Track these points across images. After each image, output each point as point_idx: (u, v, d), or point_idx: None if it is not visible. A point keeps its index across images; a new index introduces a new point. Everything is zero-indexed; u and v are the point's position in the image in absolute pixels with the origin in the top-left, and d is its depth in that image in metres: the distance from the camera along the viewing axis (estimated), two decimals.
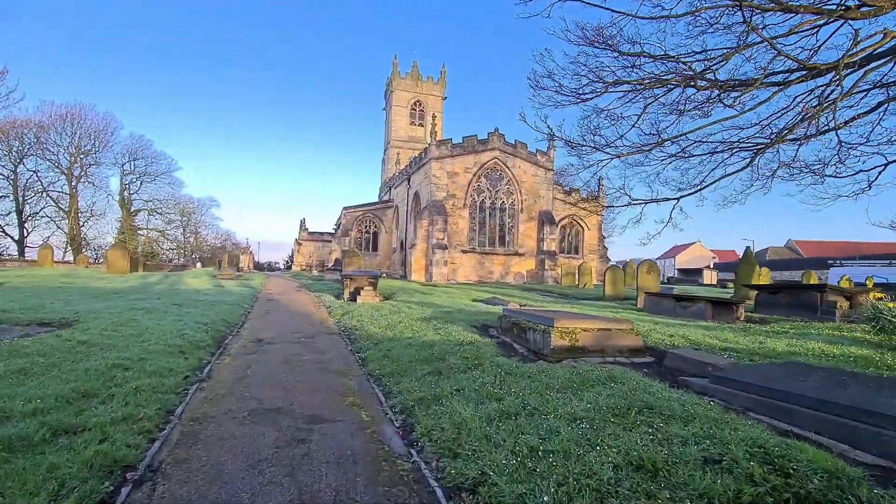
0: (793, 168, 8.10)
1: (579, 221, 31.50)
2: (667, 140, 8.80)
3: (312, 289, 17.54)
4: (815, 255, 62.28)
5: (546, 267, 28.28)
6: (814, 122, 7.54)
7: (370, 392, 4.55)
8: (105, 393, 3.62)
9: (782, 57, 7.45)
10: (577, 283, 27.16)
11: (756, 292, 12.57)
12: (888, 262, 28.93)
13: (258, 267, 63.65)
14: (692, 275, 57.37)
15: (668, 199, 10.03)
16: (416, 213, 29.15)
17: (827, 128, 8.10)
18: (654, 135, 8.64)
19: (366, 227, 38.06)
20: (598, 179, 30.52)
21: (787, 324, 8.72)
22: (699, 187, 9.63)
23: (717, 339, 6.01)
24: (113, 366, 4.35)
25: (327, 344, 6.88)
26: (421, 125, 52.58)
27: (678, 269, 63.27)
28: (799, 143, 7.91)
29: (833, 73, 6.75)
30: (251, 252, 60.01)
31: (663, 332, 6.42)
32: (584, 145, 9.23)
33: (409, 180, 33.03)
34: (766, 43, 6.75)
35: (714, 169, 9.28)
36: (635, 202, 10.18)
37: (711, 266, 59.08)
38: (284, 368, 5.28)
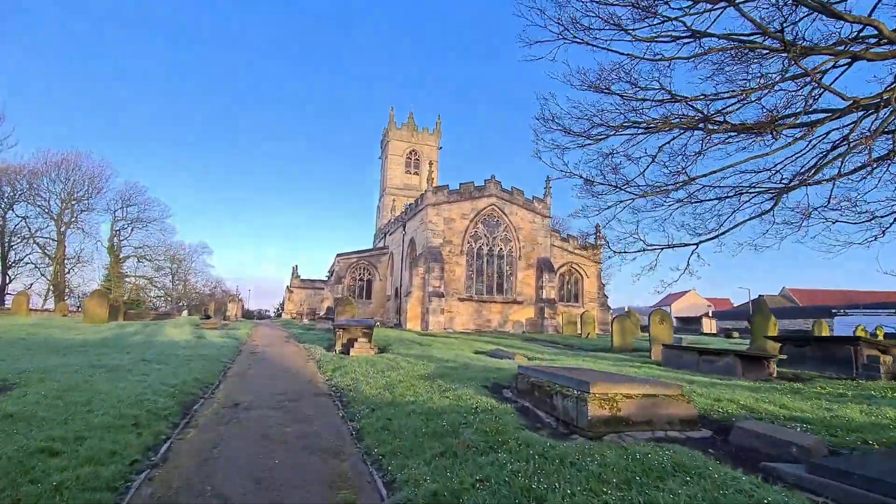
0: (826, 210, 7.55)
1: (578, 269, 30.97)
2: (697, 177, 8.32)
3: (302, 339, 16.41)
4: (810, 304, 61.87)
5: (546, 315, 27.35)
6: (843, 159, 7.13)
7: (368, 480, 3.59)
8: (7, 498, 2.66)
9: (805, 96, 7.16)
10: (579, 332, 26.15)
11: (779, 345, 11.77)
12: (894, 310, 28.41)
13: (247, 315, 61.88)
14: (691, 323, 56.35)
15: (686, 245, 9.44)
16: (412, 260, 28.49)
17: (853, 168, 7.70)
18: (678, 172, 8.13)
19: (359, 274, 37.23)
20: (596, 227, 30.16)
21: (828, 382, 7.86)
22: (717, 232, 9.08)
23: (773, 404, 5.14)
24: (38, 450, 3.39)
25: (315, 409, 5.89)
26: (416, 173, 53.27)
27: (676, 318, 61.96)
28: (832, 182, 7.42)
29: (865, 111, 6.39)
30: (240, 299, 58.48)
31: (707, 396, 5.54)
32: (602, 184, 8.69)
33: (404, 227, 32.66)
34: (793, 81, 6.43)
35: (735, 212, 8.79)
36: (651, 248, 9.57)
37: (710, 314, 58.31)
38: (261, 446, 4.30)
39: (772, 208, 8.38)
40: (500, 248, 28.36)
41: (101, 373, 6.59)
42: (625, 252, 10.12)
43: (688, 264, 9.56)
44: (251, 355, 11.57)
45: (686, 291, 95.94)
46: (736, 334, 28.51)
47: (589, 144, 9.83)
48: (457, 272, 27.12)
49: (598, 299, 31.00)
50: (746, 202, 8.65)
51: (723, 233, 8.92)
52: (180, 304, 52.52)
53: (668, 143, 8.96)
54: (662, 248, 9.62)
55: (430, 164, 28.35)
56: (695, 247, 9.24)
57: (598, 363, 10.32)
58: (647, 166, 9.05)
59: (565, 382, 4.79)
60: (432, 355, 10.41)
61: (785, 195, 8.23)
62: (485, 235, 28.16)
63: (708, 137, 8.31)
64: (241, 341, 15.04)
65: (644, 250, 9.80)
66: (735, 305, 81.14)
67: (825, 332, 18.62)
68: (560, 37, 8.05)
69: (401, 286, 32.08)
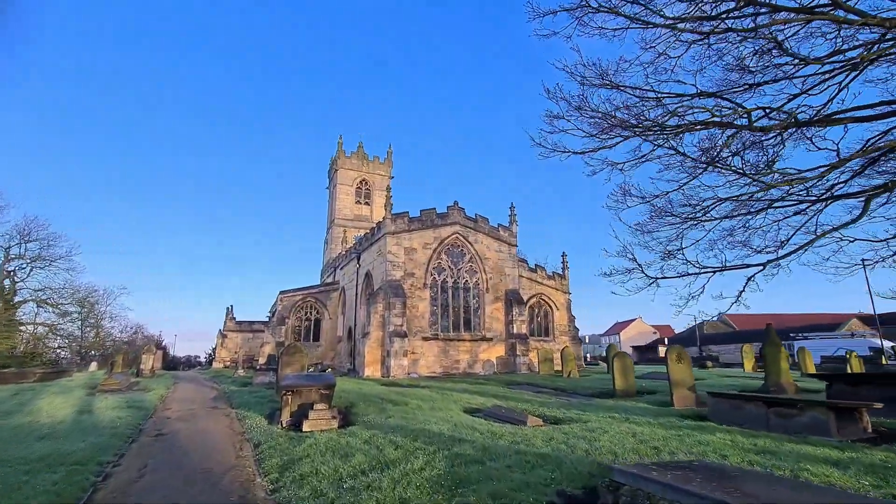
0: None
1: (548, 300, 29.17)
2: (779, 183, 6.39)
3: (235, 402, 12.73)
4: (746, 328, 64.56)
5: (518, 352, 24.96)
6: None
7: None
8: None
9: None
10: (556, 370, 23.93)
11: (826, 383, 10.08)
12: (850, 334, 29.02)
13: (172, 365, 54.30)
14: (646, 352, 56.66)
15: (747, 266, 7.48)
16: (369, 296, 25.28)
17: None
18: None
19: (306, 313, 33.12)
20: (563, 256, 28.65)
21: None
22: (793, 247, 7.20)
23: None
24: None
25: None
26: (367, 204, 50.48)
27: (632, 347, 62.51)
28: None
29: None
30: (163, 347, 51.32)
31: None
32: (669, 213, 6.58)
33: (358, 258, 29.48)
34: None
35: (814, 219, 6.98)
36: (704, 270, 7.52)
37: (666, 342, 59.00)
38: None
39: (861, 215, 6.63)
40: (466, 280, 25.95)
41: None
42: (661, 278, 8.02)
43: (744, 287, 7.60)
44: (155, 440, 7.99)
45: (633, 320, 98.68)
46: (710, 363, 27.69)
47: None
48: (420, 308, 24.24)
49: (570, 332, 29.19)
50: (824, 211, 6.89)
51: (798, 249, 7.05)
52: (91, 354, 44.71)
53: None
54: (716, 271, 7.61)
55: (387, 188, 25.73)
56: (760, 268, 7.29)
57: (640, 424, 7.93)
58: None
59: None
60: (424, 428, 7.51)
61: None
62: (449, 267, 25.69)
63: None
64: (147, 411, 11.15)
65: (698, 273, 7.74)
66: (676, 332, 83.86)
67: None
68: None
69: (355, 326, 28.52)
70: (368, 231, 29.36)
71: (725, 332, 64.89)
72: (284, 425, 8.72)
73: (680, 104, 6.80)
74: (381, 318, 23.21)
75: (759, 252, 7.60)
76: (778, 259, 7.28)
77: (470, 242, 26.32)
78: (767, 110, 6.49)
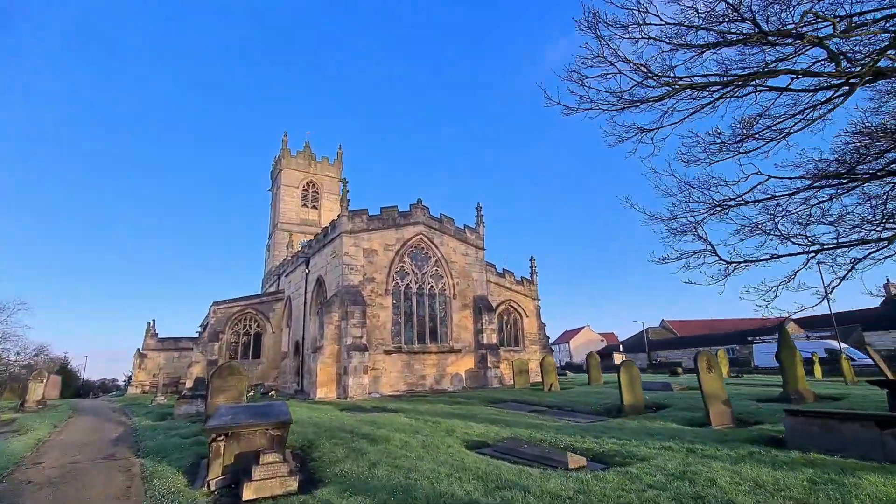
0: None
1: (517, 307, 27.33)
2: None
3: (145, 446, 9.30)
4: (685, 334, 67.00)
5: (489, 364, 22.76)
6: None
7: None
8: None
9: None
10: (532, 383, 21.97)
11: (887, 391, 8.66)
12: (805, 335, 29.76)
13: (82, 391, 46.78)
14: (603, 360, 56.61)
15: (864, 243, 5.72)
16: (323, 305, 22.06)
17: None
18: None
19: (245, 327, 28.96)
20: (531, 259, 27.03)
21: None
22: None
23: None
24: None
25: None
26: (315, 208, 46.69)
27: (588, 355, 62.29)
28: None
29: None
30: (69, 370, 44.05)
31: None
32: None
33: (307, 263, 26.09)
34: None
35: None
36: (829, 247, 5.67)
37: (622, 349, 59.55)
38: None
39: None
40: (432, 286, 23.47)
41: None
42: (752, 261, 6.09)
43: (845, 275, 5.86)
44: None
45: (581, 328, 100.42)
46: (680, 370, 27.10)
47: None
48: (381, 317, 21.40)
49: (540, 341, 27.48)
50: None
51: None
52: None
53: None
54: (822, 249, 5.79)
55: (344, 181, 22.71)
56: (887, 242, 5.54)
57: (719, 459, 5.88)
58: None
59: None
60: (426, 481, 4.97)
61: None
62: (413, 271, 23.11)
63: None
64: (4, 469, 7.58)
65: (775, 256, 5.88)
66: (620, 340, 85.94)
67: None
68: None
69: (304, 339, 25.00)
70: (320, 232, 26.11)
71: (670, 339, 66.77)
72: (213, 489, 5.78)
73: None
74: (337, 330, 20.10)
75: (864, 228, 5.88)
76: None
77: (435, 245, 23.94)
78: None
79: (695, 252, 6.07)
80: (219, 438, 6.20)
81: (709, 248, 6.04)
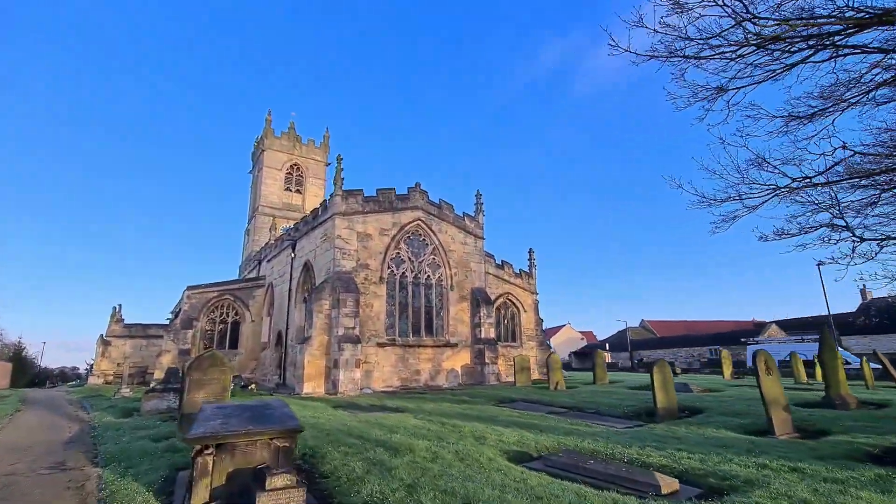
0: None
1: (515, 301, 26.10)
2: None
3: (105, 451, 7.55)
4: (664, 335, 67.48)
5: (486, 360, 21.46)
6: None
7: None
8: None
9: None
10: (533, 380, 20.81)
11: None
12: (800, 337, 29.57)
13: (38, 380, 43.61)
14: (586, 359, 56.43)
15: None
16: (311, 292, 20.33)
17: None
18: None
19: (221, 314, 26.85)
20: (530, 252, 25.95)
21: None
22: None
23: None
24: None
25: None
26: (299, 192, 44.40)
27: (573, 353, 62.29)
28: None
29: None
30: (23, 357, 40.85)
31: None
32: None
33: (293, 247, 24.22)
34: None
35: None
36: None
37: (607, 348, 59.34)
38: None
39: None
40: (428, 276, 22.00)
41: None
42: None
43: None
44: None
45: (562, 326, 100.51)
46: (679, 370, 26.48)
47: None
48: (374, 307, 19.82)
49: (537, 337, 26.36)
50: None
51: None
52: None
53: None
54: None
55: (338, 158, 20.86)
56: None
57: (858, 486, 4.70)
58: None
59: None
60: None
61: None
62: (409, 258, 21.58)
63: None
64: None
65: None
66: (599, 338, 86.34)
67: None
68: None
69: (287, 329, 23.19)
70: (308, 214, 24.24)
71: (651, 338, 67.03)
72: None
73: None
74: (327, 319, 18.42)
75: None
76: None
77: (433, 231, 22.44)
78: None
79: (825, 225, 4.83)
80: (206, 452, 4.63)
81: (841, 222, 4.82)
